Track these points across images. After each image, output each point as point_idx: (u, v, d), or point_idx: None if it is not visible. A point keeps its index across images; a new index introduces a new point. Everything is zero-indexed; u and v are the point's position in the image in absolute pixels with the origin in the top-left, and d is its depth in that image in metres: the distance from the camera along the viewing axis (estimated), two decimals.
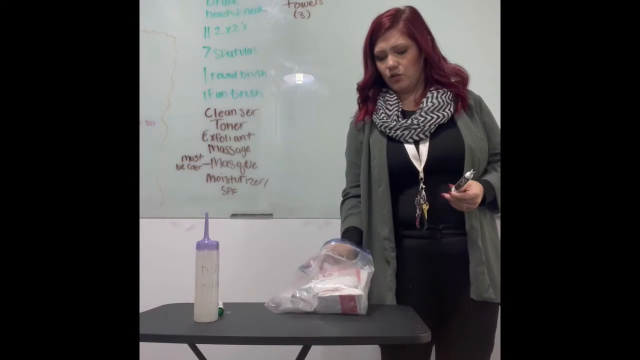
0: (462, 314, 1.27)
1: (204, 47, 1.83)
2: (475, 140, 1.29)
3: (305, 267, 1.22)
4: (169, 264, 1.72)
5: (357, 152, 1.40)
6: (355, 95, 1.64)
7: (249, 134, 1.80)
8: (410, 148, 1.29)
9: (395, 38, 1.29)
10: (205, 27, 1.83)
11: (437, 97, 1.32)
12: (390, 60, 1.30)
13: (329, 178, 1.74)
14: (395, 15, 1.32)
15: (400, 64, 1.31)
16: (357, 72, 1.73)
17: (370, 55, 1.35)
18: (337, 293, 1.11)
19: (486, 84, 1.53)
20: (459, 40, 1.67)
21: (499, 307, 1.29)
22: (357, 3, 1.77)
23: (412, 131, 1.28)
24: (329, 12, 1.79)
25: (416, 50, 1.31)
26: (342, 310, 1.11)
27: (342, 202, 1.45)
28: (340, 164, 1.72)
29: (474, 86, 1.55)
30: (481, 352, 1.30)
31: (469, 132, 1.29)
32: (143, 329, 0.90)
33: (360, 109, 1.42)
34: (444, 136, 1.29)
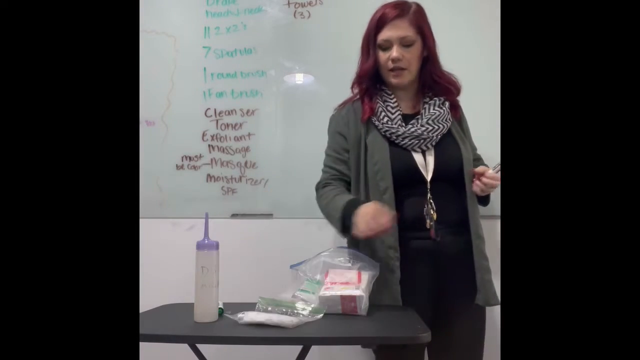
0: (462, 317, 1.28)
1: (204, 47, 1.82)
2: (467, 149, 1.33)
3: (296, 265, 1.24)
4: (169, 264, 1.72)
5: (347, 149, 1.32)
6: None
7: (249, 134, 1.80)
8: (418, 157, 1.27)
9: (404, 29, 1.26)
10: (205, 27, 1.83)
11: (437, 106, 1.32)
12: (395, 52, 1.25)
13: None
14: (404, 5, 1.29)
15: (405, 57, 1.26)
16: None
17: (373, 43, 1.28)
18: (338, 293, 1.11)
19: (486, 84, 1.53)
20: (459, 40, 1.67)
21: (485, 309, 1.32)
22: (357, 3, 1.76)
23: (422, 141, 1.27)
24: (329, 12, 1.78)
25: (420, 45, 1.29)
26: (342, 311, 1.11)
27: (323, 188, 1.33)
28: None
29: (473, 86, 1.56)
30: (479, 354, 1.31)
31: (462, 142, 1.33)
32: (143, 329, 0.90)
33: (363, 103, 1.32)
34: (445, 147, 1.30)
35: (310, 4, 1.80)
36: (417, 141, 1.27)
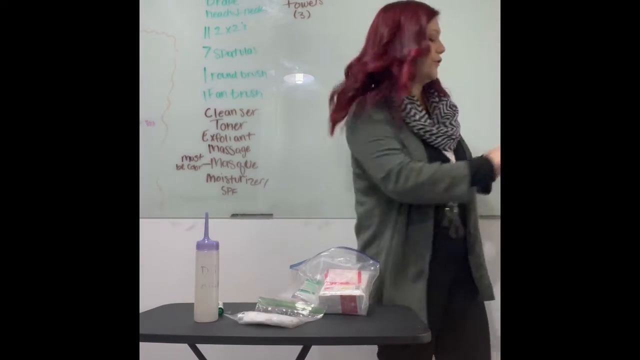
0: (468, 315, 1.31)
1: (204, 47, 1.82)
2: (467, 147, 1.38)
3: (296, 265, 1.24)
4: (169, 264, 1.72)
5: (395, 139, 1.23)
6: None
7: (249, 134, 1.80)
8: (450, 156, 1.29)
9: None
10: (205, 27, 1.83)
11: (448, 106, 1.34)
12: (442, 45, 1.30)
13: (329, 178, 1.74)
14: None
15: None
16: None
17: (424, 32, 1.26)
18: (338, 293, 1.11)
19: (486, 84, 1.53)
20: (459, 40, 1.66)
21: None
22: (357, 3, 1.76)
23: (452, 141, 1.29)
24: (329, 12, 1.78)
25: None
26: (342, 311, 1.11)
27: (413, 163, 1.19)
28: (340, 163, 1.72)
29: (473, 86, 1.56)
30: (486, 350, 1.32)
31: (462, 140, 1.38)
32: (143, 329, 0.90)
33: (405, 86, 1.23)
34: (458, 146, 1.33)
35: (310, 4, 1.80)
36: (449, 141, 1.28)
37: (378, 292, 1.25)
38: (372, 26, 1.32)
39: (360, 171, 1.31)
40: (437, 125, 1.29)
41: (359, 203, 1.35)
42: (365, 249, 1.30)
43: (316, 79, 1.79)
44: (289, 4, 1.81)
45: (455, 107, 1.35)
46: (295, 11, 1.80)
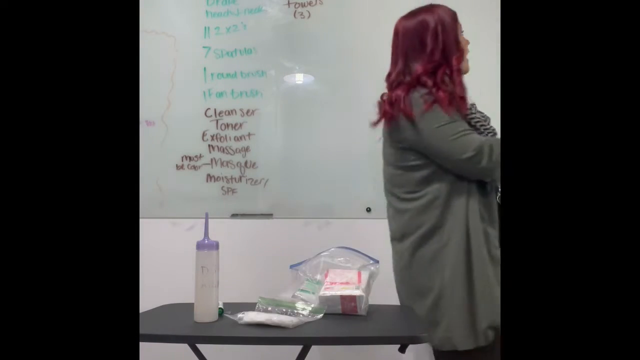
0: None
1: (204, 47, 1.83)
2: None
3: (296, 265, 1.24)
4: (169, 264, 1.72)
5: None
6: (355, 95, 1.63)
7: (249, 134, 1.80)
8: None
9: None
10: (205, 27, 1.83)
11: (476, 107, 1.33)
12: (467, 40, 1.31)
13: (329, 178, 1.74)
14: None
15: None
16: (357, 72, 1.74)
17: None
18: (338, 293, 1.11)
19: (485, 84, 1.53)
20: None
21: None
22: (357, 3, 1.77)
23: (495, 136, 1.29)
24: (329, 12, 1.79)
25: None
26: (342, 311, 1.11)
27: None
28: (339, 164, 1.72)
29: (472, 86, 1.55)
30: None
31: None
32: (143, 329, 0.90)
33: (460, 94, 1.23)
34: None
35: (310, 4, 1.80)
36: (494, 137, 1.28)
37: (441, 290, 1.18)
38: (399, 33, 1.30)
39: (424, 160, 1.23)
40: (491, 124, 1.30)
41: (409, 200, 1.25)
42: (417, 249, 1.21)
43: (316, 79, 1.79)
44: (289, 4, 1.81)
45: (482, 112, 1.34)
46: (295, 11, 1.80)
